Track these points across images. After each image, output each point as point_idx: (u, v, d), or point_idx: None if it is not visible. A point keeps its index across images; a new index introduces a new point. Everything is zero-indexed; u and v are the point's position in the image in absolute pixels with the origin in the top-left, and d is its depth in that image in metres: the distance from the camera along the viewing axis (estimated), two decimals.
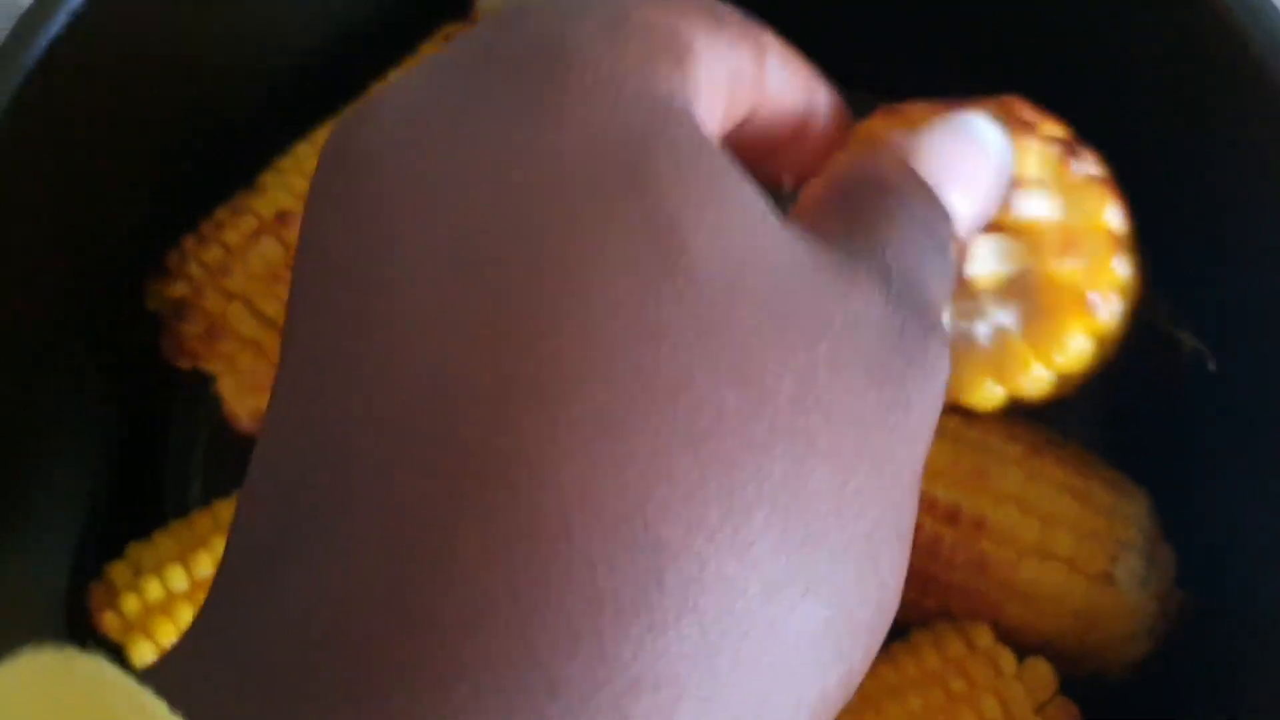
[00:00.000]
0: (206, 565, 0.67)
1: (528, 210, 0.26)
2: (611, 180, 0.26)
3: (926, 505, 0.68)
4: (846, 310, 0.28)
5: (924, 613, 0.71)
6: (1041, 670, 0.67)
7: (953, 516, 0.68)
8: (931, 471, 0.69)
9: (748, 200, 0.29)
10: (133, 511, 0.77)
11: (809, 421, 0.27)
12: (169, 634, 0.64)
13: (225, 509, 0.70)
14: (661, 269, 0.26)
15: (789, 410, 0.26)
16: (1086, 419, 0.77)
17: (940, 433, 0.69)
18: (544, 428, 0.24)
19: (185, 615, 0.65)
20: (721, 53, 0.31)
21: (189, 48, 0.69)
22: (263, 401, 0.71)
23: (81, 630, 0.67)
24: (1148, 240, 0.76)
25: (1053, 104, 0.57)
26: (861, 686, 0.68)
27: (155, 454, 0.83)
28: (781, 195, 0.40)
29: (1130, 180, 0.74)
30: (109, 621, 0.66)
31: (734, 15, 0.33)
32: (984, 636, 0.69)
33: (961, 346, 0.56)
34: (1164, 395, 0.78)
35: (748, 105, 0.34)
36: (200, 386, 0.76)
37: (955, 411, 0.70)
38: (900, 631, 0.72)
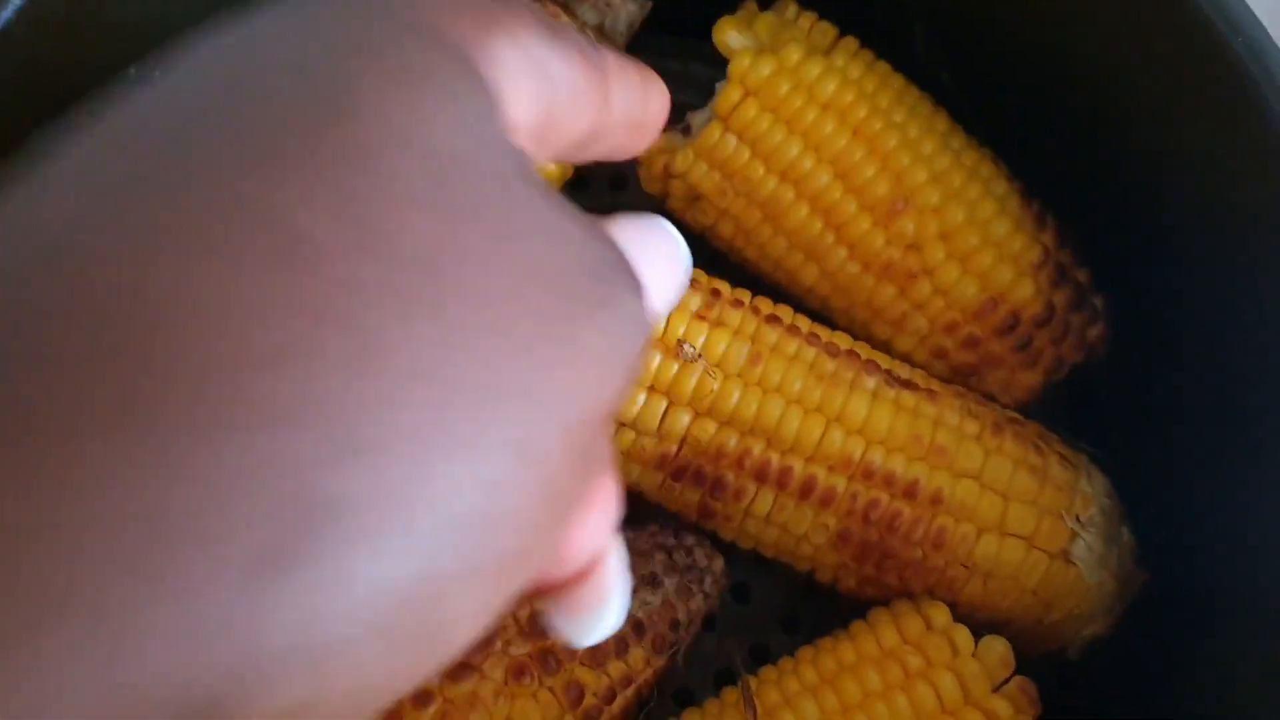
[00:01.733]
0: None
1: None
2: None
3: (884, 480, 0.68)
4: (543, 221, 0.28)
5: (883, 589, 0.71)
6: (999, 649, 0.67)
7: (911, 492, 0.68)
8: (889, 446, 0.69)
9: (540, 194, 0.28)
10: None
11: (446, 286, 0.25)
12: None
13: None
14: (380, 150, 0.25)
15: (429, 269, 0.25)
16: (1049, 406, 0.77)
17: (897, 407, 0.70)
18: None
19: None
20: (536, 65, 0.31)
21: (142, 27, 0.69)
22: None
23: None
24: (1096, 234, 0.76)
25: None
26: (820, 665, 0.69)
27: None
28: None
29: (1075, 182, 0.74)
30: None
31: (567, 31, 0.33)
32: (941, 615, 0.69)
33: None
34: (1126, 383, 0.78)
35: (572, 119, 0.33)
36: None
37: (909, 387, 0.71)
38: (860, 611, 0.72)
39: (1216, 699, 0.66)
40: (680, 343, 0.69)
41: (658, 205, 0.80)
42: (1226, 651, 0.67)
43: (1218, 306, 0.69)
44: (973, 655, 0.66)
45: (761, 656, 0.77)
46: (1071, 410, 0.79)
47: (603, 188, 0.86)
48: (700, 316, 0.70)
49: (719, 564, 0.74)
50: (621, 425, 0.70)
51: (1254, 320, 0.65)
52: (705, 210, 0.76)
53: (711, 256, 0.78)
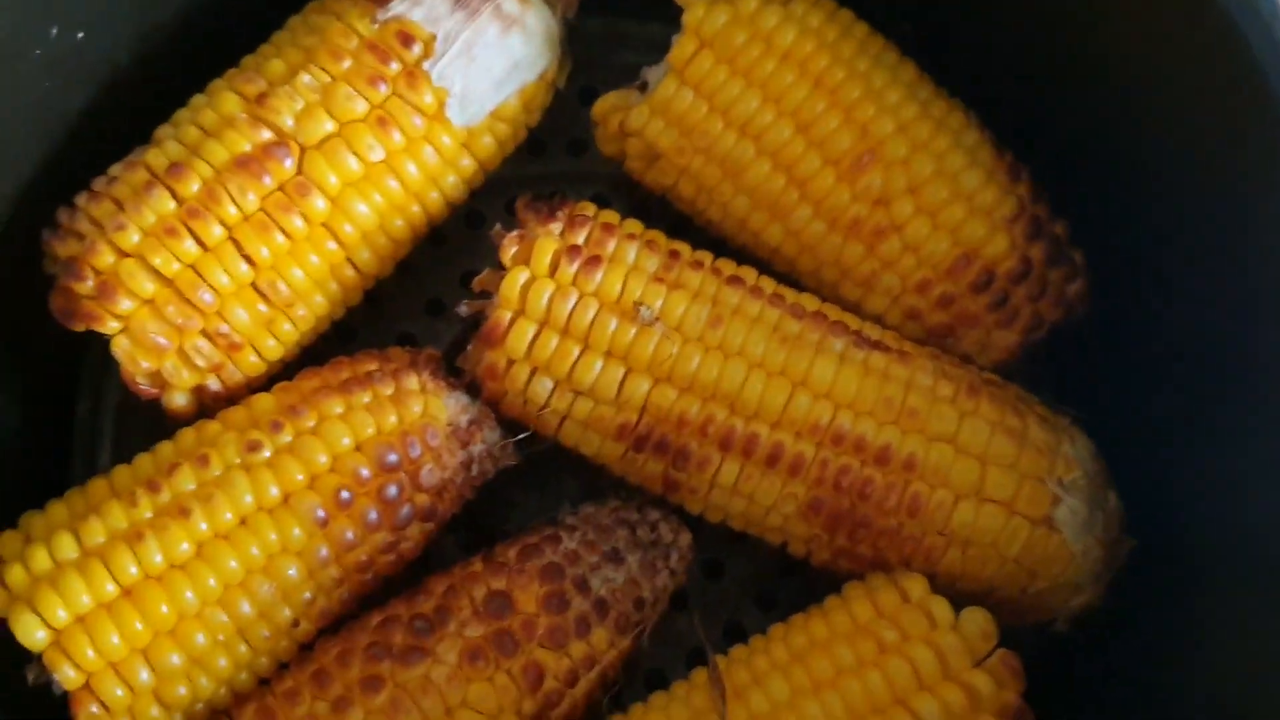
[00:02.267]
0: (98, 533, 0.63)
1: None
2: None
3: (854, 445, 0.64)
4: None
5: (857, 561, 0.68)
6: (980, 621, 0.63)
7: (883, 457, 0.64)
8: (859, 410, 0.65)
9: None
10: (43, 482, 0.73)
11: None
12: (53, 605, 0.61)
13: (122, 474, 0.67)
14: None
15: None
16: (1028, 369, 0.73)
17: (866, 369, 0.66)
18: None
19: (74, 586, 0.62)
20: None
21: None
22: (159, 362, 0.68)
23: None
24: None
25: None
26: (790, 641, 0.66)
27: (63, 424, 0.79)
28: None
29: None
30: None
31: None
32: (918, 586, 0.65)
33: None
34: (1107, 342, 0.74)
35: None
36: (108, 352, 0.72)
37: (879, 348, 0.67)
38: (837, 586, 0.69)
39: (1210, 663, 0.62)
40: (637, 305, 0.65)
41: (617, 165, 0.77)
42: (1218, 611, 0.64)
43: (1204, 255, 0.65)
44: (952, 628, 0.63)
45: (737, 635, 0.74)
46: (1052, 373, 0.75)
47: (560, 152, 0.83)
48: (658, 279, 0.67)
49: (686, 539, 0.70)
50: (579, 394, 0.67)
51: (1243, 265, 0.62)
52: (664, 170, 0.73)
53: (674, 222, 0.74)
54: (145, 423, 0.75)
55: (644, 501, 0.71)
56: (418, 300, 0.81)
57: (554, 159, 0.83)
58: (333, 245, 0.70)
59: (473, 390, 0.70)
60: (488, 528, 0.75)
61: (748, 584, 0.76)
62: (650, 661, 0.75)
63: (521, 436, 0.70)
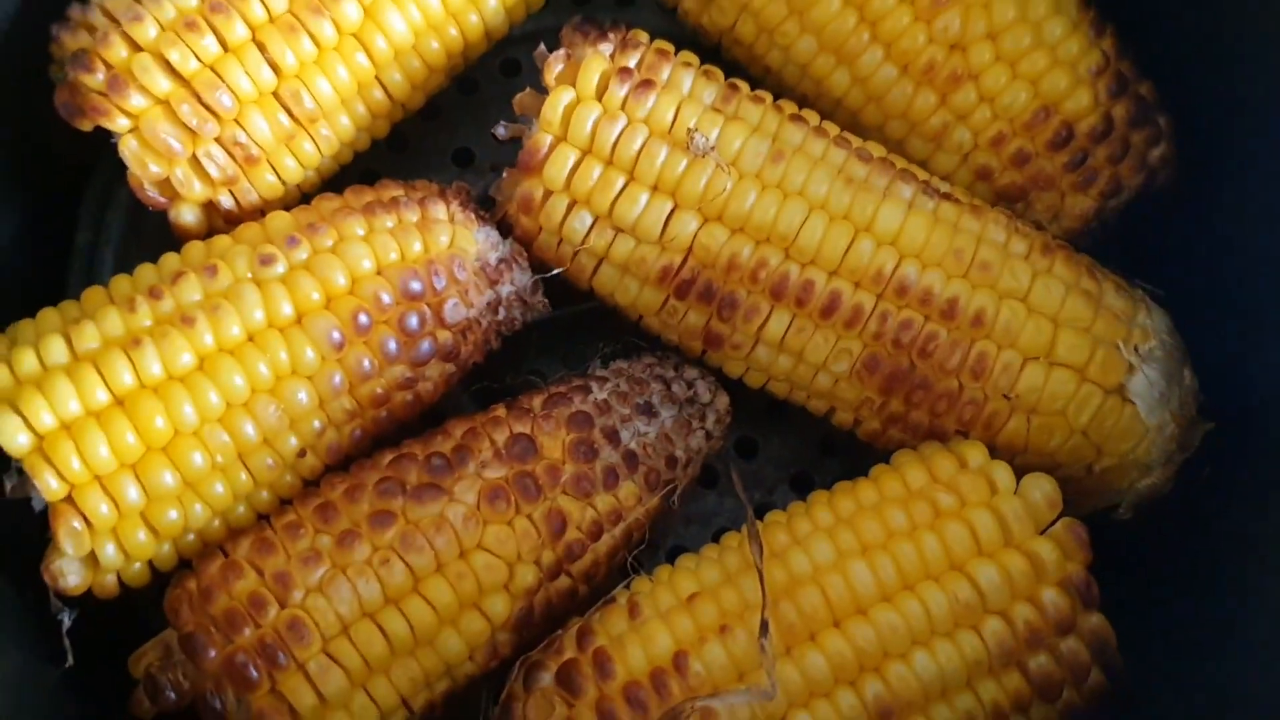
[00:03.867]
0: (91, 337, 0.58)
1: None
2: None
3: (919, 298, 0.59)
4: None
5: (910, 430, 0.63)
6: (1045, 487, 0.58)
7: (949, 312, 0.59)
8: (926, 261, 0.60)
9: None
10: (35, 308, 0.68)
11: None
12: (38, 408, 0.56)
13: (121, 283, 0.61)
14: None
15: None
16: (1101, 245, 0.68)
17: (936, 219, 0.61)
18: None
19: (61, 390, 0.56)
20: None
21: None
22: (170, 168, 0.63)
23: None
24: None
25: None
26: (836, 505, 0.60)
27: (60, 255, 0.74)
28: None
29: None
30: None
31: None
32: (978, 453, 0.60)
33: None
34: (1185, 224, 0.70)
35: None
36: (116, 171, 0.67)
37: (949, 200, 0.63)
38: (883, 457, 0.64)
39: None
40: (691, 132, 0.60)
41: (667, 19, 0.72)
42: None
43: None
44: (1014, 494, 0.58)
45: (763, 514, 0.69)
46: (1121, 253, 0.70)
47: (608, 3, 0.78)
48: (715, 109, 0.61)
49: (724, 400, 0.65)
50: (619, 231, 0.62)
51: None
52: (723, 9, 0.68)
53: (728, 72, 0.69)
54: (149, 256, 0.70)
55: (679, 360, 0.66)
56: (446, 148, 0.76)
57: (600, 9, 0.78)
58: (363, 59, 0.65)
59: (503, 230, 0.65)
60: (510, 391, 0.70)
61: (783, 465, 0.71)
62: (676, 538, 0.70)
63: (554, 272, 0.64)
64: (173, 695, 0.56)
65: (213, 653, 0.54)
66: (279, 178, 0.65)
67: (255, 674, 0.54)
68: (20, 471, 0.56)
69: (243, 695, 0.54)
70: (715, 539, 0.69)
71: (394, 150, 0.74)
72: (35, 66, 0.65)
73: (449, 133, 0.76)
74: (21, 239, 0.70)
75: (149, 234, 0.71)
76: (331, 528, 0.58)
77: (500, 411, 0.63)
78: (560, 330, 0.70)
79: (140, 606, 0.62)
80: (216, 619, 0.55)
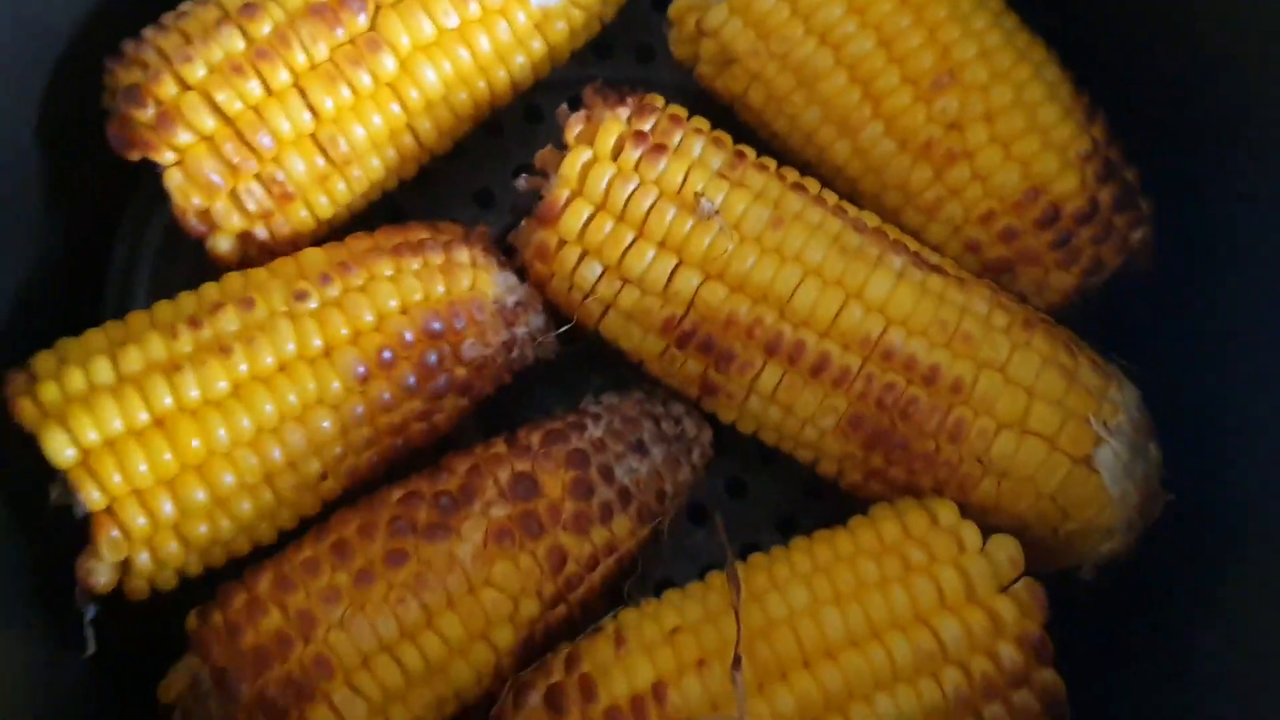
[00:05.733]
0: (135, 360, 0.63)
1: None
2: None
3: (903, 363, 0.64)
4: None
5: (889, 485, 0.67)
6: (1009, 547, 0.62)
7: (930, 378, 0.63)
8: (911, 328, 0.64)
9: None
10: (74, 321, 0.72)
11: None
12: (84, 425, 0.61)
13: (164, 309, 0.66)
14: None
15: None
16: (1077, 323, 0.72)
17: (923, 290, 0.65)
18: None
19: (106, 408, 0.61)
20: None
21: None
22: (211, 201, 0.67)
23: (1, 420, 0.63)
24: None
25: None
26: (814, 553, 0.65)
27: (100, 260, 0.78)
28: None
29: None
30: (24, 409, 0.62)
31: None
32: (949, 512, 0.64)
33: None
34: (1163, 301, 0.73)
35: None
36: (156, 190, 0.72)
37: (937, 271, 0.67)
38: (863, 505, 0.68)
39: (1240, 627, 0.61)
40: (698, 195, 0.64)
41: (684, 75, 0.76)
42: (1250, 580, 0.63)
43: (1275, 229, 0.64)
44: (980, 553, 0.62)
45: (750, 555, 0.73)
46: (1100, 328, 0.74)
47: (627, 57, 0.82)
48: (721, 175, 0.66)
49: (708, 434, 0.70)
50: (626, 282, 0.66)
51: None
52: (736, 76, 0.72)
53: (737, 135, 0.73)
54: (183, 272, 0.74)
55: (668, 395, 0.71)
56: (468, 188, 0.80)
57: (621, 64, 0.82)
58: (396, 108, 0.69)
59: (521, 275, 0.70)
60: (508, 417, 0.74)
61: (770, 507, 0.76)
62: (665, 571, 0.74)
63: (564, 329, 0.69)
64: None
65: (245, 688, 0.59)
66: (311, 214, 0.70)
67: (286, 707, 0.59)
68: (64, 482, 0.61)
69: None
70: (702, 574, 0.73)
71: (419, 186, 0.78)
72: (88, 94, 0.69)
73: (472, 173, 0.80)
74: (63, 249, 0.75)
75: (184, 253, 0.76)
76: (348, 565, 0.62)
77: (501, 448, 0.67)
78: (561, 362, 0.74)
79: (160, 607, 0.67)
80: (246, 655, 0.60)
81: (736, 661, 0.58)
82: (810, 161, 0.72)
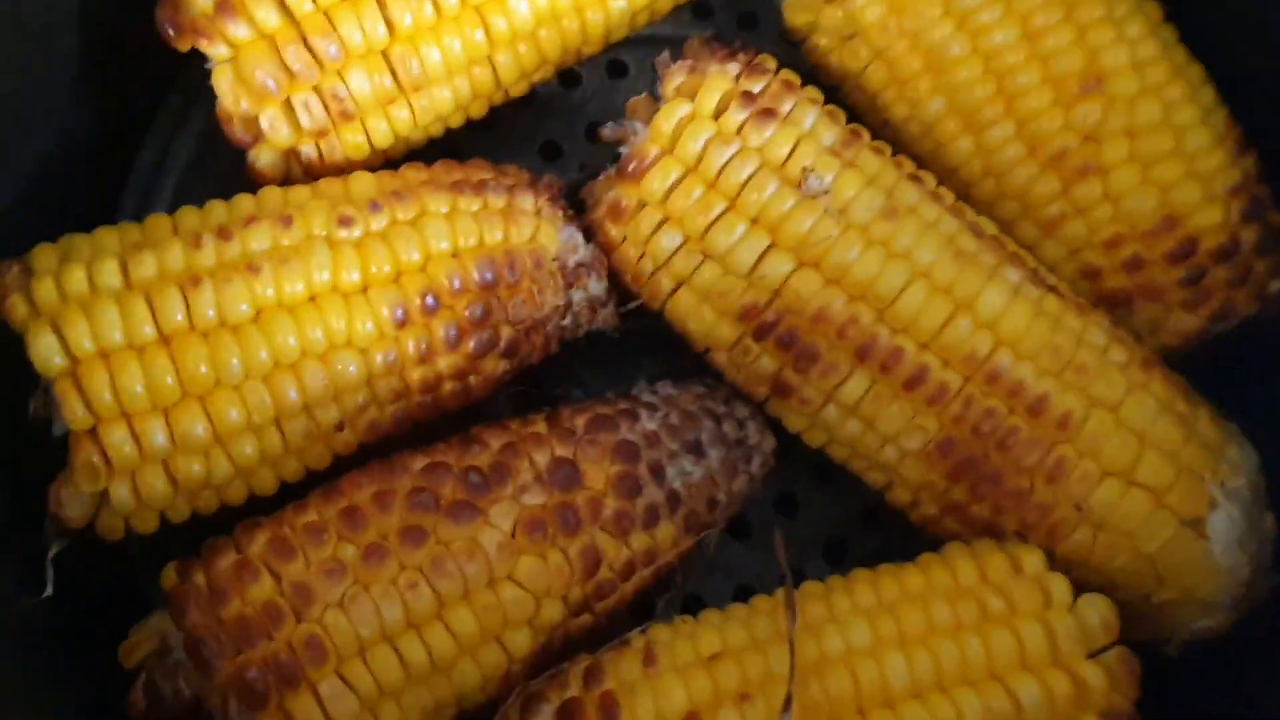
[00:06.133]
0: (148, 267, 0.55)
1: None
2: None
3: (1009, 389, 0.56)
4: None
5: (968, 523, 0.60)
6: (1102, 609, 0.55)
7: (1036, 409, 0.56)
8: (1022, 351, 0.57)
9: None
10: (86, 223, 0.65)
11: None
12: (79, 330, 0.53)
13: (189, 215, 0.58)
14: None
15: None
16: (1183, 365, 0.65)
17: (1039, 310, 0.57)
18: None
19: (107, 315, 0.53)
20: None
21: None
22: (260, 108, 0.60)
23: None
24: None
25: None
26: (879, 586, 0.57)
27: (124, 163, 0.71)
28: None
29: None
30: (14, 306, 0.54)
31: None
32: (1035, 559, 0.57)
33: None
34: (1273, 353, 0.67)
35: None
36: (198, 90, 0.64)
37: (1055, 293, 0.60)
38: (914, 552, 0.61)
39: None
40: (806, 171, 0.57)
41: (787, 49, 0.69)
42: None
43: None
44: (1069, 610, 0.55)
45: (795, 581, 0.66)
46: (1211, 382, 0.67)
47: (728, 22, 0.75)
48: (833, 153, 0.59)
49: (770, 443, 0.62)
50: (707, 257, 0.59)
51: None
52: (856, 51, 0.65)
53: (847, 118, 0.66)
54: (211, 190, 0.67)
55: (731, 393, 0.64)
56: (535, 139, 0.73)
57: (721, 27, 0.75)
58: (479, 35, 0.62)
59: (587, 235, 0.63)
60: (548, 398, 0.67)
61: (822, 530, 0.68)
62: (695, 586, 0.67)
63: (633, 305, 0.62)
64: (170, 705, 0.53)
65: (222, 664, 0.51)
66: (368, 139, 0.62)
67: (266, 691, 0.50)
68: (47, 392, 0.54)
69: (249, 712, 0.51)
70: (736, 593, 0.66)
71: (483, 130, 0.71)
72: None
73: (541, 122, 0.73)
74: (86, 144, 0.68)
75: (216, 167, 0.69)
76: (358, 537, 0.54)
77: (540, 427, 0.60)
78: (610, 341, 0.67)
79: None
80: (228, 625, 0.51)
81: (787, 703, 0.51)
82: (924, 156, 0.65)
